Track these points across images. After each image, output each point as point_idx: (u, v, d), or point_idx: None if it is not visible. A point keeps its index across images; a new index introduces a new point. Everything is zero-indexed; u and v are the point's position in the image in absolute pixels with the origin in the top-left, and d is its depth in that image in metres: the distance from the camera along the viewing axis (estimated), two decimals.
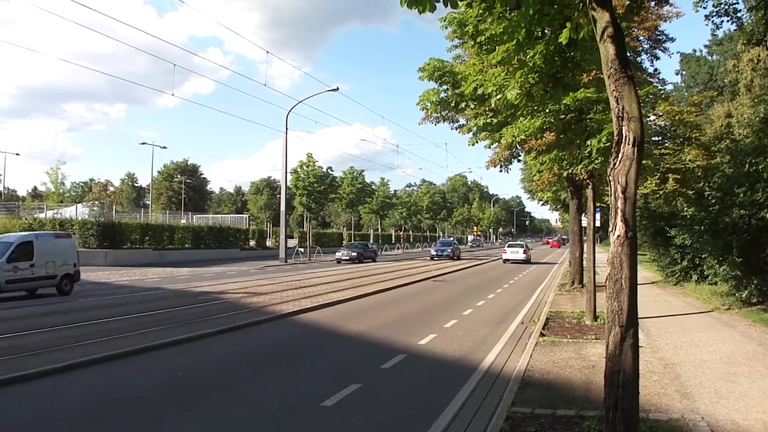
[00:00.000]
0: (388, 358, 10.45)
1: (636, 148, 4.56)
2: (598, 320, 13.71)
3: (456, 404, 7.65)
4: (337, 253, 46.78)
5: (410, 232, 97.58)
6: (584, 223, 22.17)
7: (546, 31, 6.94)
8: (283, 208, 43.89)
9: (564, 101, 11.43)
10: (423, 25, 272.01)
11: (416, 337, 12.64)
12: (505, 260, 47.29)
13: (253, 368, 9.74)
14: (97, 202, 62.77)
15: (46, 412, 7.29)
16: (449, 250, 52.68)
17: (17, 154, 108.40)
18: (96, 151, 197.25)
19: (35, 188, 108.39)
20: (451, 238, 66.76)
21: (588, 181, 15.00)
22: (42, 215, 40.36)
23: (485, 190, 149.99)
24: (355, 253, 45.13)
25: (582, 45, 7.29)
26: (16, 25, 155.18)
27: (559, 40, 6.12)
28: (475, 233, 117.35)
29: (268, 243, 57.85)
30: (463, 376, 9.25)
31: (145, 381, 8.90)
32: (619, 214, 4.57)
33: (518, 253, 47.51)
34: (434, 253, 53.04)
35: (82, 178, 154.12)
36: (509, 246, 51.97)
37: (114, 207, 52.39)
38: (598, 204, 16.56)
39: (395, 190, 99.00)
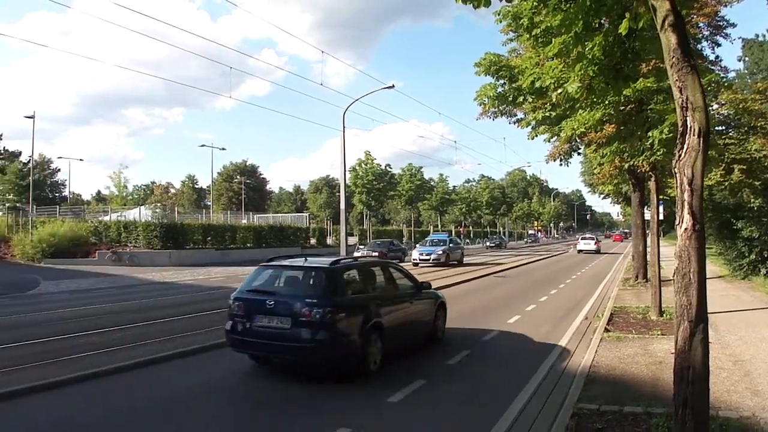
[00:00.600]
0: (453, 354, 10.48)
1: (701, 139, 4.46)
2: (664, 315, 13.40)
3: (522, 400, 7.64)
4: (355, 253, 38.53)
5: (470, 227, 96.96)
6: (647, 216, 21.63)
7: (603, 21, 6.84)
8: (342, 206, 44.05)
9: (624, 92, 11.21)
10: (476, 20, 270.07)
11: (480, 333, 12.63)
12: (579, 250, 56.35)
13: None
14: (159, 204, 64.70)
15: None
16: (439, 252, 36.70)
17: (81, 160, 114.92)
18: (156, 154, 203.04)
19: (99, 192, 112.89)
20: (446, 235, 48.32)
21: (650, 173, 14.67)
22: (106, 218, 41.79)
23: (545, 184, 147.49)
24: (376, 253, 37.05)
25: (641, 35, 7.17)
26: (74, 36, 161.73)
27: (619, 31, 6.02)
28: (535, 228, 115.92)
29: (329, 241, 58.57)
30: (528, 372, 9.21)
31: (217, 372, 9.20)
32: (686, 206, 4.48)
33: (590, 244, 57.30)
34: (416, 257, 37.26)
35: (143, 181, 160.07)
36: (582, 239, 61.88)
37: (176, 208, 53.77)
38: (660, 196, 16.15)
39: (454, 186, 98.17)
